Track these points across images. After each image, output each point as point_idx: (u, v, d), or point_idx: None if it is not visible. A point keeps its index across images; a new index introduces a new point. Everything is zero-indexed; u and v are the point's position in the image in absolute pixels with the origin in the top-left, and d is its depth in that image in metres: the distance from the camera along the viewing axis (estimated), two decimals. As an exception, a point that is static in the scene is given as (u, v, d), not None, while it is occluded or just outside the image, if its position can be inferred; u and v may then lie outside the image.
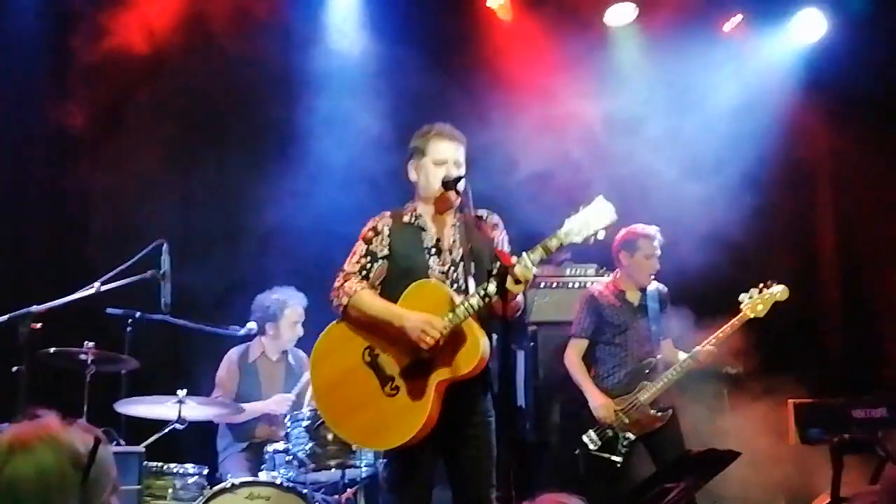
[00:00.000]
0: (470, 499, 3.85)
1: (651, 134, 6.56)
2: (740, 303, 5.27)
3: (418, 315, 3.74)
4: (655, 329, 5.49)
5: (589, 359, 5.51)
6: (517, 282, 3.57)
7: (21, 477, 1.82)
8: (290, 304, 5.62)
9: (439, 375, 3.73)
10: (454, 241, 3.96)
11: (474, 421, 3.85)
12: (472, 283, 3.77)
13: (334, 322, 3.97)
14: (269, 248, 6.33)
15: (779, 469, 5.56)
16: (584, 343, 5.52)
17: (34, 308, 4.58)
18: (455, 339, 3.71)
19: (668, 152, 6.47)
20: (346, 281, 3.92)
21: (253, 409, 5.45)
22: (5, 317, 4.52)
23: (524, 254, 3.66)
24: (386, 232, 3.99)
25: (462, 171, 3.96)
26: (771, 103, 6.79)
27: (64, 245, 6.20)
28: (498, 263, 3.61)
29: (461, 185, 3.90)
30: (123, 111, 6.35)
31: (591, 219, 3.60)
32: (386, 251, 3.97)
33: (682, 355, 5.34)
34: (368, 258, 3.97)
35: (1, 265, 6.05)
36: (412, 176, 4.06)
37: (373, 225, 4.03)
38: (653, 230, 5.53)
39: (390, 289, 3.92)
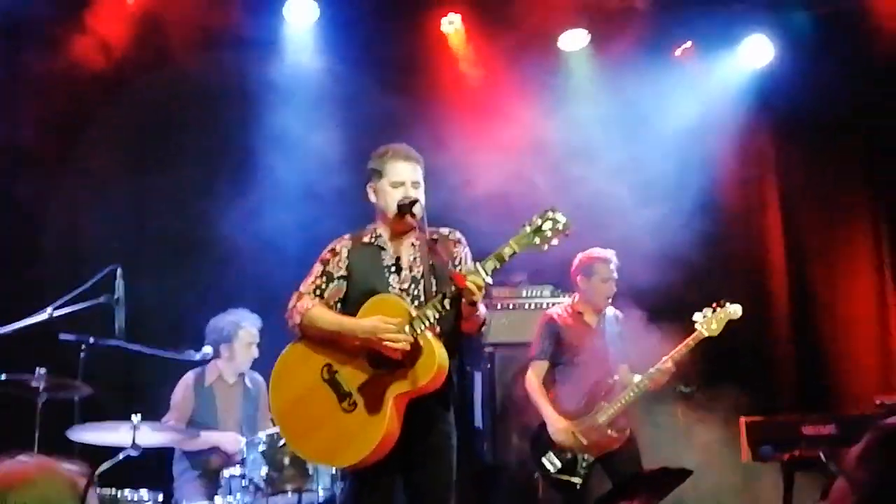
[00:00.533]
0: None
1: (605, 157, 6.63)
2: (694, 322, 5.31)
3: (370, 319, 3.77)
4: (613, 351, 5.53)
5: (547, 381, 5.54)
6: (472, 300, 3.63)
7: None
8: (243, 325, 5.60)
9: (397, 388, 3.74)
10: (414, 260, 3.98)
11: (433, 441, 3.86)
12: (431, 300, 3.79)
13: (291, 343, 3.98)
14: (224, 270, 6.30)
15: (732, 486, 5.64)
16: (545, 365, 5.55)
17: (-17, 334, 4.53)
18: (412, 351, 3.73)
19: (621, 175, 6.54)
20: (299, 301, 3.95)
21: (206, 439, 5.39)
22: (-46, 344, 4.46)
23: (477, 264, 3.71)
24: (344, 253, 4.01)
25: (420, 193, 3.99)
26: (721, 126, 6.90)
27: (15, 268, 6.11)
28: (452, 285, 3.67)
29: (416, 209, 3.93)
30: (76, 128, 6.30)
31: (543, 226, 3.66)
32: (343, 272, 3.99)
33: (637, 377, 5.37)
34: (324, 278, 4.00)
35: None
36: (371, 198, 4.08)
37: (332, 247, 4.06)
38: (609, 254, 5.59)
39: (350, 309, 3.93)
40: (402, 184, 3.98)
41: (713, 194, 6.72)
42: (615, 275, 5.56)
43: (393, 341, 3.71)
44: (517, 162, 6.44)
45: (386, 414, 3.72)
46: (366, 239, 4.05)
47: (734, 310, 5.29)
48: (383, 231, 4.06)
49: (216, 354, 5.61)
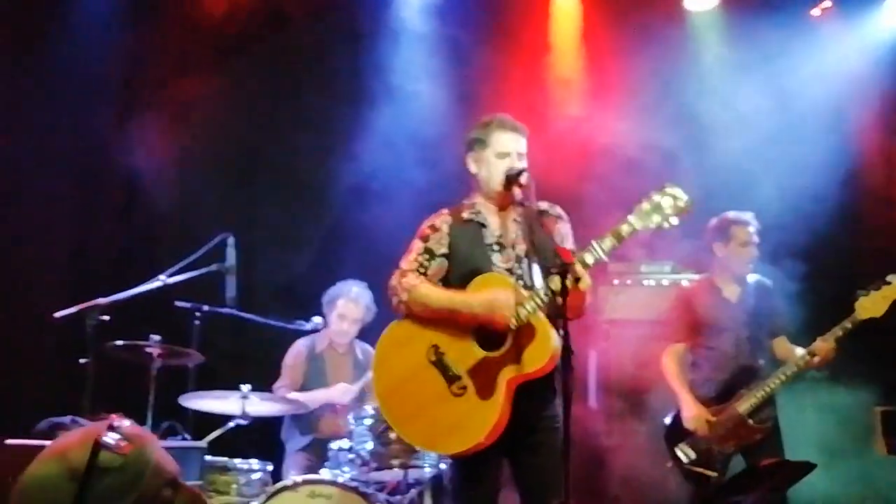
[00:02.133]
0: (533, 499, 3.68)
1: (737, 126, 6.30)
2: (855, 300, 4.73)
3: (484, 294, 3.59)
4: (757, 329, 5.06)
5: (684, 364, 5.13)
6: (577, 279, 3.41)
7: (26, 485, 1.87)
8: (343, 294, 5.56)
9: (508, 373, 3.57)
10: (516, 237, 3.79)
11: (542, 426, 3.69)
12: (537, 279, 3.59)
13: (395, 321, 3.84)
14: (340, 239, 6.27)
15: (864, 480, 5.27)
16: (680, 347, 5.16)
17: (101, 300, 4.62)
18: (524, 334, 3.55)
19: (756, 144, 6.21)
20: (402, 278, 3.78)
21: (315, 397, 5.39)
22: (73, 309, 4.57)
23: (593, 242, 3.50)
24: (445, 230, 3.83)
25: (524, 164, 3.79)
26: (863, 92, 6.44)
27: (130, 236, 6.25)
28: (558, 261, 3.44)
29: (524, 178, 3.73)
30: (192, 95, 6.37)
31: (663, 203, 3.44)
32: (445, 249, 3.82)
33: (800, 351, 4.86)
34: (426, 255, 3.82)
35: (68, 257, 6.13)
36: (472, 168, 3.89)
37: (431, 223, 3.88)
38: (747, 216, 5.12)
39: (453, 288, 3.76)
40: (508, 154, 3.80)
41: (854, 166, 6.26)
42: (756, 238, 5.08)
43: (510, 315, 3.52)
44: (644, 131, 6.18)
45: (499, 399, 3.56)
46: (465, 215, 3.87)
47: None
48: (483, 206, 3.88)
49: (326, 324, 5.59)
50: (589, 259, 3.50)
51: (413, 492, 4.92)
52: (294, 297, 6.13)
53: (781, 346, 5.05)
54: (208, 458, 4.79)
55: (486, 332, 3.60)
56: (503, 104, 4.06)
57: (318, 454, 5.23)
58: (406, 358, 3.74)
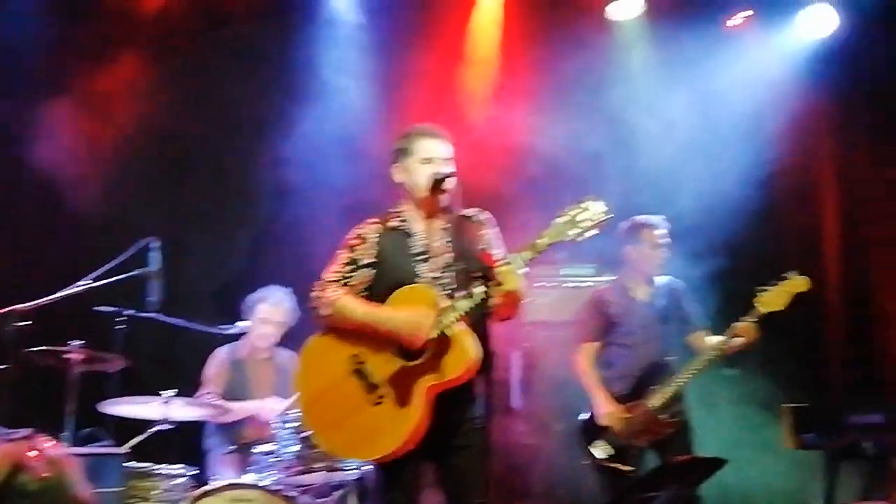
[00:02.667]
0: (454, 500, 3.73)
1: (655, 131, 6.46)
2: (757, 295, 4.92)
3: (404, 313, 3.64)
4: (667, 327, 5.24)
5: (597, 363, 5.27)
6: (499, 284, 3.48)
7: None
8: (263, 299, 5.53)
9: (427, 381, 3.62)
10: (443, 245, 3.83)
11: (464, 429, 3.72)
12: (462, 286, 3.64)
13: (316, 334, 3.87)
14: (265, 245, 6.28)
15: (775, 473, 5.44)
16: (593, 346, 5.29)
17: (20, 306, 4.57)
18: (443, 343, 3.60)
19: (673, 149, 6.36)
20: (324, 290, 3.80)
21: (243, 409, 5.37)
22: (-10, 314, 4.51)
23: (515, 255, 3.56)
24: (373, 238, 3.85)
25: (451, 168, 3.84)
26: (778, 101, 6.63)
27: (52, 241, 6.18)
28: (481, 265, 3.55)
29: (450, 183, 3.77)
30: (113, 99, 6.32)
31: (579, 217, 3.49)
32: (371, 259, 3.83)
33: (716, 340, 5.01)
34: (349, 267, 3.84)
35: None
36: (398, 178, 3.93)
37: (358, 232, 3.90)
38: (657, 219, 5.31)
39: (377, 298, 3.79)
40: (432, 160, 3.84)
41: (771, 169, 6.45)
42: (666, 241, 5.26)
43: (428, 336, 3.59)
44: (570, 135, 6.30)
45: (418, 407, 3.61)
46: (392, 223, 3.89)
47: (800, 282, 4.89)
48: (410, 214, 3.91)
49: (250, 330, 5.58)
50: (509, 269, 3.53)
51: (337, 494, 4.95)
52: (222, 301, 6.11)
53: (699, 340, 5.20)
54: (130, 464, 4.76)
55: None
56: (429, 105, 4.12)
57: (242, 459, 5.21)
58: (327, 368, 3.77)
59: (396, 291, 3.72)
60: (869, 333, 6.45)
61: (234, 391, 5.48)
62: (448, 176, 3.78)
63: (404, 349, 3.65)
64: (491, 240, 3.89)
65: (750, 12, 6.91)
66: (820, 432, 4.37)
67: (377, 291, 3.80)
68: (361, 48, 6.69)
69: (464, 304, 3.56)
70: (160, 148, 6.47)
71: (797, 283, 4.89)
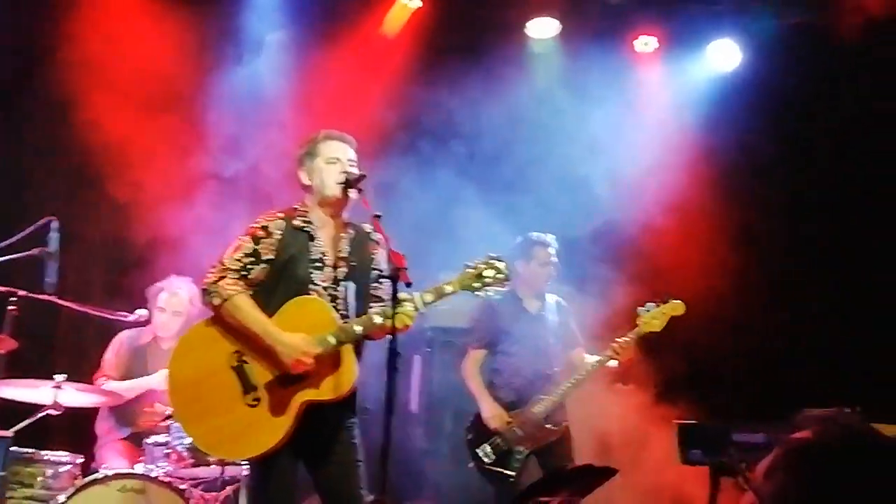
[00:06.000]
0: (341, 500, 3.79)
1: (562, 149, 6.60)
2: (638, 315, 5.23)
3: (292, 340, 3.65)
4: (554, 341, 5.45)
5: (485, 369, 5.46)
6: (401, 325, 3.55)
7: None
8: (164, 287, 5.47)
9: (305, 395, 3.67)
10: (341, 256, 3.86)
11: (340, 437, 3.79)
12: (352, 301, 3.75)
13: (203, 320, 3.85)
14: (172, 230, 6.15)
15: (664, 487, 5.64)
16: (481, 353, 5.48)
17: None
18: (328, 362, 3.65)
19: (578, 167, 6.52)
20: (222, 278, 3.76)
21: (136, 385, 5.26)
22: None
23: (418, 294, 3.67)
24: (277, 235, 3.83)
25: (358, 170, 3.90)
26: (683, 128, 6.86)
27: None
28: (391, 266, 3.58)
29: (361, 184, 3.82)
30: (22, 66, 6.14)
31: (487, 273, 3.72)
32: (271, 255, 3.81)
33: (593, 359, 5.29)
34: (250, 259, 3.80)
35: None
36: (304, 180, 3.95)
37: (264, 223, 3.86)
38: (549, 238, 5.54)
39: (266, 295, 3.78)
40: (338, 160, 3.90)
41: (679, 189, 6.67)
42: (554, 259, 5.50)
43: (302, 367, 3.63)
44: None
45: (290, 418, 3.65)
46: (297, 222, 3.88)
47: (677, 306, 5.21)
48: (315, 216, 3.91)
49: (150, 318, 5.47)
50: (409, 307, 3.64)
51: (229, 489, 4.90)
52: (121, 288, 5.97)
53: (578, 356, 5.48)
54: (13, 448, 4.61)
55: None
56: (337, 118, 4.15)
57: (133, 448, 5.11)
58: (207, 357, 3.76)
59: (290, 302, 3.72)
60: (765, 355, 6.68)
61: (133, 377, 5.35)
62: (363, 176, 3.84)
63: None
64: (381, 261, 3.95)
65: (654, 39, 7.12)
66: (705, 449, 4.54)
67: (268, 289, 3.79)
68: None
69: (358, 329, 3.62)
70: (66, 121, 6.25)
71: (675, 306, 5.20)
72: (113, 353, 5.44)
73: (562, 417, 5.37)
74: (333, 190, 3.86)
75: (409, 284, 3.63)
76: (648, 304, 5.22)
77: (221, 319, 3.76)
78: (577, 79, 6.85)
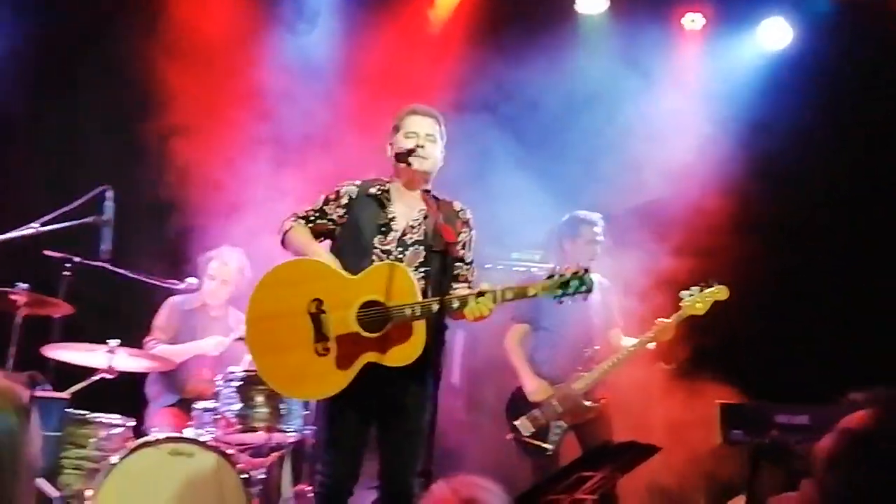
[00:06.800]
0: (394, 472, 3.93)
1: (610, 127, 6.58)
2: (681, 299, 5.24)
3: (321, 251, 3.95)
4: (596, 319, 5.47)
5: (527, 345, 5.51)
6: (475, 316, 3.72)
7: None
8: (214, 256, 5.55)
9: (371, 356, 3.78)
10: (413, 226, 3.98)
11: (405, 406, 3.90)
12: (432, 271, 3.86)
13: (296, 259, 4.02)
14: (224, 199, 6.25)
15: (702, 466, 5.66)
16: (524, 328, 5.52)
17: (-36, 246, 4.51)
18: (401, 330, 3.76)
19: (627, 142, 6.51)
20: (290, 219, 4.08)
21: (186, 349, 5.38)
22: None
23: (499, 288, 3.76)
24: (345, 200, 4.06)
25: (433, 147, 4.05)
26: (732, 109, 6.79)
27: (7, 182, 6.08)
28: (441, 240, 3.77)
29: (416, 160, 3.94)
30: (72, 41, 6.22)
31: (571, 283, 3.75)
32: (335, 216, 4.05)
33: (630, 341, 5.34)
34: (318, 213, 4.08)
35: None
36: (389, 152, 4.11)
37: (339, 189, 4.11)
38: (595, 216, 5.57)
39: (336, 255, 3.98)
40: (416, 134, 4.04)
41: (716, 175, 6.61)
42: (601, 237, 5.52)
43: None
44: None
45: (352, 374, 3.79)
46: (373, 189, 4.08)
47: (721, 291, 5.20)
48: (394, 187, 4.08)
49: (200, 285, 5.58)
50: (487, 299, 3.72)
51: (274, 455, 5.01)
52: (172, 256, 6.08)
53: (616, 336, 5.53)
54: (69, 410, 4.75)
55: (370, 308, 3.77)
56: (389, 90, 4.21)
57: (183, 413, 5.23)
58: (289, 296, 3.90)
59: (377, 266, 3.85)
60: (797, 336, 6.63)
61: (182, 341, 5.46)
62: (414, 149, 3.93)
63: (365, 320, 3.77)
64: (468, 242, 4.10)
65: (700, 16, 7.04)
66: (747, 429, 4.56)
67: (337, 249, 4.02)
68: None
69: (434, 307, 3.69)
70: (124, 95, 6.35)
71: (719, 291, 5.19)
72: (164, 317, 5.55)
73: (602, 394, 5.41)
74: (395, 160, 4.02)
75: (458, 260, 3.87)
76: (693, 287, 5.22)
77: (312, 263, 3.94)
78: (625, 56, 6.81)
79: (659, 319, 5.24)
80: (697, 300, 5.19)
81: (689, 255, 6.10)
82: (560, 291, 3.75)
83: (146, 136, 6.14)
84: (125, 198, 4.91)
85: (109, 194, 4.86)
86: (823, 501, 1.62)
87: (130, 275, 5.32)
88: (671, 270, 5.92)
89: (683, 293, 5.24)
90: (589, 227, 5.53)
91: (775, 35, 7.05)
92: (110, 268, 5.07)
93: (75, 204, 4.78)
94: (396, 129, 4.11)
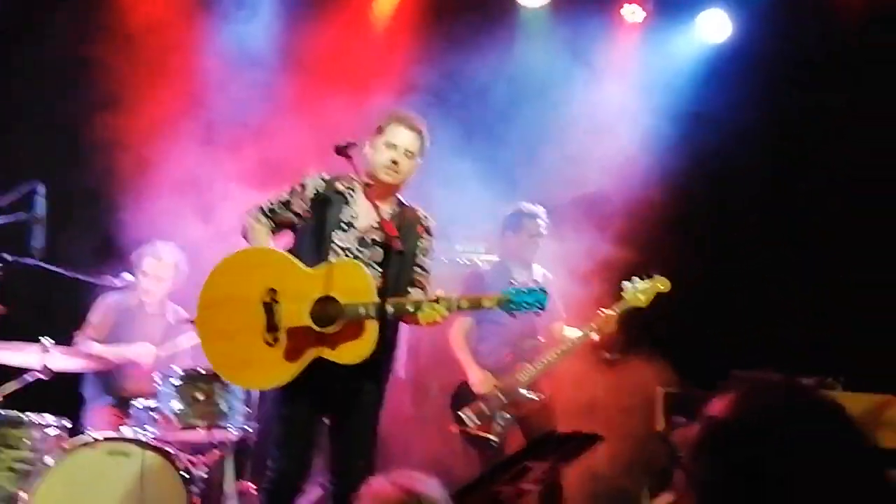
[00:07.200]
0: (346, 468, 3.93)
1: (547, 119, 6.59)
2: (622, 290, 5.25)
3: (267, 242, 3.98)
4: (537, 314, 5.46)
5: (472, 337, 5.50)
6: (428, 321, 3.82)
7: None
8: (148, 252, 5.43)
9: (321, 352, 3.79)
10: (376, 226, 3.95)
11: (364, 397, 3.95)
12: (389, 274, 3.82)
13: (258, 247, 4.02)
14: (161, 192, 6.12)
15: (644, 453, 5.70)
16: (468, 321, 5.50)
17: None
18: (353, 328, 3.77)
19: (567, 133, 6.52)
20: (254, 211, 4.08)
21: (116, 353, 5.25)
22: None
23: (455, 296, 3.85)
24: (310, 193, 4.04)
25: (410, 163, 4.06)
26: (670, 102, 6.83)
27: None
28: (383, 235, 3.81)
29: (387, 173, 4.00)
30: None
31: (527, 300, 3.85)
32: (300, 210, 4.04)
33: (574, 333, 5.33)
34: (282, 205, 4.06)
35: None
36: (365, 151, 4.08)
37: (305, 181, 4.07)
38: (538, 209, 5.58)
39: (295, 250, 4.00)
40: (396, 147, 4.03)
41: (655, 168, 6.64)
42: (544, 231, 5.55)
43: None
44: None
45: (299, 368, 3.80)
46: (340, 186, 4.07)
47: (662, 282, 5.22)
48: (360, 186, 4.05)
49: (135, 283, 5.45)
50: (442, 307, 3.79)
51: (216, 452, 4.93)
52: (106, 250, 5.94)
53: (558, 328, 5.53)
54: (1, 411, 4.62)
55: (325, 303, 3.77)
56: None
57: (121, 412, 5.12)
58: (244, 282, 3.88)
59: (335, 263, 3.86)
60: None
61: (118, 339, 5.35)
62: (347, 145, 3.87)
63: (319, 315, 3.76)
64: (425, 249, 4.15)
65: (642, 11, 7.07)
66: (689, 416, 4.59)
67: (297, 244, 4.03)
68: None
69: (389, 309, 3.71)
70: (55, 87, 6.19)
71: (660, 282, 5.22)
72: (99, 315, 5.42)
73: (546, 386, 5.42)
74: (378, 173, 4.03)
75: (400, 252, 3.83)
76: (635, 278, 5.23)
77: (269, 252, 3.96)
78: (566, 47, 6.80)
79: (602, 310, 5.25)
80: (640, 292, 5.20)
81: (630, 246, 6.14)
82: (514, 306, 3.84)
83: (75, 119, 5.98)
84: (57, 190, 4.79)
85: (41, 190, 4.74)
86: (690, 489, 1.59)
87: (64, 272, 5.19)
88: (612, 261, 5.95)
89: (625, 284, 5.25)
90: (532, 220, 5.55)
91: (715, 27, 7.09)
92: (43, 265, 4.94)
93: (5, 201, 4.65)
94: (380, 130, 4.08)
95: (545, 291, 3.89)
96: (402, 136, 4.05)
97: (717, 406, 1.60)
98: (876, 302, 6.21)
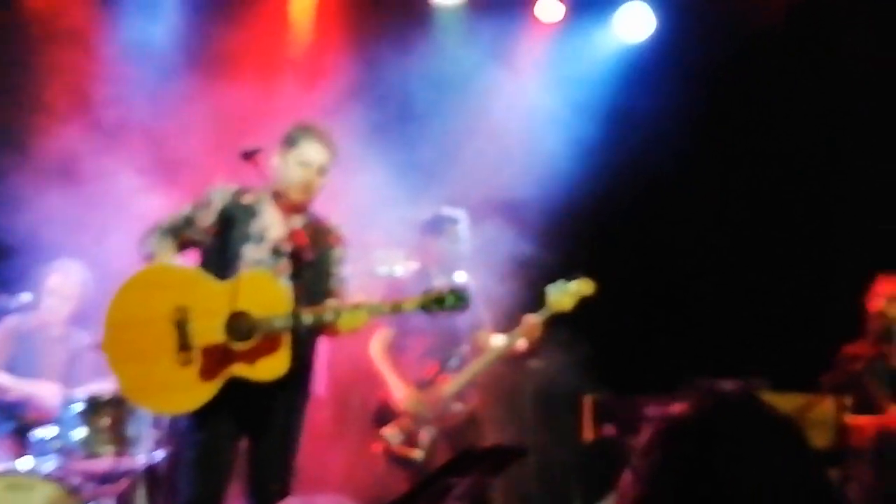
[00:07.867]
0: (264, 491, 3.80)
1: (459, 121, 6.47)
2: (546, 295, 5.11)
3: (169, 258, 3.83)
4: (463, 321, 5.19)
5: (393, 349, 5.30)
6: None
7: None
8: (52, 268, 5.17)
9: (238, 369, 3.67)
10: (283, 238, 3.87)
11: (283, 416, 3.82)
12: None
13: (163, 263, 3.87)
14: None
15: (571, 463, 5.62)
16: (388, 332, 5.30)
17: None
18: (270, 343, 3.67)
19: (475, 138, 6.40)
20: (153, 233, 3.90)
21: (19, 388, 4.97)
22: None
23: (375, 302, 3.87)
24: (217, 205, 3.90)
25: (322, 180, 3.96)
26: (588, 103, 6.76)
27: None
28: (291, 245, 3.75)
29: (297, 193, 3.90)
30: None
31: (448, 300, 3.83)
32: (205, 224, 3.89)
33: (500, 339, 5.19)
34: (185, 222, 3.91)
35: None
36: (273, 162, 3.95)
37: (209, 195, 3.93)
38: (458, 214, 5.39)
39: (204, 263, 3.89)
40: (309, 166, 3.92)
41: (578, 171, 6.56)
42: (465, 236, 5.36)
43: None
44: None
45: (215, 388, 3.68)
46: (246, 199, 3.95)
47: (586, 284, 5.11)
48: (267, 199, 3.94)
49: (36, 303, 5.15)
50: (362, 313, 3.78)
51: (125, 481, 4.70)
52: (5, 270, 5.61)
53: (483, 337, 5.35)
54: None
55: (238, 318, 3.64)
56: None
57: (20, 442, 4.81)
58: (151, 301, 3.73)
59: (247, 275, 3.74)
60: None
61: (18, 366, 5.06)
62: (254, 151, 3.77)
63: (234, 329, 3.64)
64: (337, 261, 4.07)
65: (559, 8, 6.98)
66: (618, 423, 4.51)
67: (205, 257, 3.91)
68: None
69: (307, 320, 3.65)
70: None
71: (584, 284, 5.10)
72: (-3, 338, 5.11)
73: (472, 397, 5.25)
74: (289, 191, 3.92)
75: (309, 263, 3.75)
76: (558, 281, 5.11)
77: (175, 269, 3.81)
78: (482, 46, 6.70)
79: (527, 316, 5.11)
80: (564, 297, 5.07)
81: (552, 248, 6.05)
82: (436, 307, 3.80)
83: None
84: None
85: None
86: (637, 487, 1.61)
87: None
88: (535, 264, 5.84)
89: (549, 287, 5.12)
90: (452, 225, 5.35)
91: (635, 23, 7.00)
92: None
93: None
94: (292, 142, 3.94)
95: (466, 289, 3.83)
96: (317, 155, 3.95)
97: (675, 408, 1.65)
98: (800, 302, 6.24)
